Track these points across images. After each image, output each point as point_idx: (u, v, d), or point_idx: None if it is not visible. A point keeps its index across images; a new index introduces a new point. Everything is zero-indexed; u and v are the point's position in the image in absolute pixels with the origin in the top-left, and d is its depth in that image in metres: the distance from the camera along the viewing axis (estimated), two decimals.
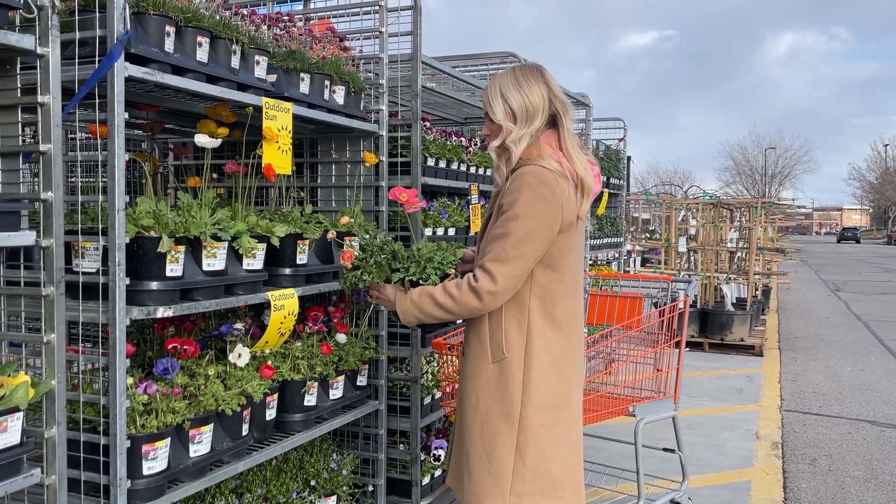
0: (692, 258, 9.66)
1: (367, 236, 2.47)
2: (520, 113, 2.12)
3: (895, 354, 8.20)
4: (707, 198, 9.83)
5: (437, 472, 3.52)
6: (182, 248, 2.06)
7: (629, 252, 11.37)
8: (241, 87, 2.34)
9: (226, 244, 2.20)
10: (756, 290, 9.32)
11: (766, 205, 9.95)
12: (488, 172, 4.05)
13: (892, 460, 4.60)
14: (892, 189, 54.85)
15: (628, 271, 8.38)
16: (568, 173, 2.08)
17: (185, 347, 2.28)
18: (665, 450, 3.63)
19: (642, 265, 11.03)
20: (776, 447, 4.81)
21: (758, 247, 9.01)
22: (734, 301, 8.72)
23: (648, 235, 11.59)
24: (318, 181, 3.27)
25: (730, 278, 8.84)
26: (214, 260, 2.17)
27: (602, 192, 6.54)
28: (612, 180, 6.86)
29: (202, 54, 2.17)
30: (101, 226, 1.88)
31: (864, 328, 10.23)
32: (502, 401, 2.12)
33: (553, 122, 2.15)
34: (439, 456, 3.51)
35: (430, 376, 3.48)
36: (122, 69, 1.84)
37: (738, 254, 9.80)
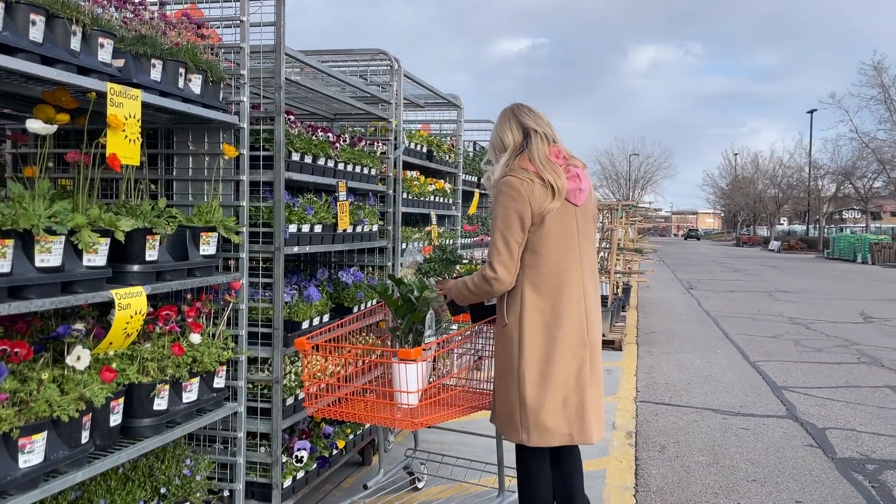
0: None
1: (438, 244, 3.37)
2: (497, 151, 2.95)
3: (739, 348, 8.89)
4: None
5: (300, 474, 3.45)
6: (10, 243, 1.90)
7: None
8: (83, 71, 2.18)
9: (62, 238, 2.05)
10: (617, 288, 9.81)
11: (627, 207, 10.50)
12: (357, 169, 4.03)
13: (733, 446, 4.98)
14: (741, 195, 59.40)
15: None
16: (536, 178, 2.76)
17: (15, 350, 2.10)
18: None
19: None
20: (630, 436, 5.08)
21: (619, 247, 9.49)
22: None
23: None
24: (174, 174, 3.12)
25: None
26: (49, 255, 2.02)
27: (473, 193, 6.67)
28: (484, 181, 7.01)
29: (36, 33, 2.01)
30: None
31: (713, 323, 11.02)
32: (509, 357, 2.83)
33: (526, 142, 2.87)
34: (302, 458, 3.44)
35: (294, 377, 3.41)
36: None
37: (601, 254, 10.29)
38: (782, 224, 63.33)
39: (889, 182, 37.37)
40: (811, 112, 44.41)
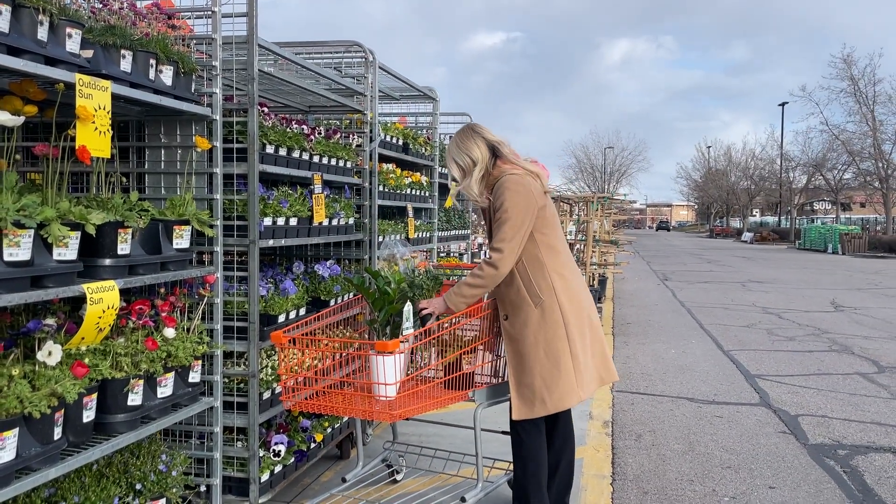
0: None
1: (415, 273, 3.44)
2: (467, 167, 3.22)
3: (713, 337, 9.00)
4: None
5: (278, 468, 3.44)
6: None
7: (480, 245, 11.67)
8: (51, 62, 2.14)
9: (31, 232, 2.01)
10: (593, 279, 9.88)
11: (602, 200, 10.57)
12: (332, 161, 4.00)
13: (708, 433, 5.04)
14: (714, 187, 60.10)
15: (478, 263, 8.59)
16: (524, 172, 3.14)
17: None
18: (505, 433, 3.75)
19: None
20: (607, 425, 5.13)
21: (594, 239, 9.55)
22: None
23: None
24: (146, 167, 3.08)
25: None
26: (17, 249, 1.98)
27: (450, 186, 6.66)
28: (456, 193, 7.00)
29: (2, 23, 1.96)
30: None
31: (688, 314, 11.14)
32: (552, 332, 3.10)
33: (496, 152, 3.22)
34: (279, 451, 3.43)
35: (270, 370, 3.39)
36: None
37: (577, 245, 10.35)
38: (755, 216, 64.22)
39: (858, 174, 38.00)
40: (782, 105, 44.97)
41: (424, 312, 3.22)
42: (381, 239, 4.67)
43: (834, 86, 37.60)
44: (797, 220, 45.49)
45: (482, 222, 3.59)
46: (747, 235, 46.89)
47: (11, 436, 1.98)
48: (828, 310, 11.78)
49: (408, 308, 3.20)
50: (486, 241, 3.29)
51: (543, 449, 3.27)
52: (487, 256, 3.10)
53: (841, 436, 4.99)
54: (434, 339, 3.26)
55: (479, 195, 3.23)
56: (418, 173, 5.67)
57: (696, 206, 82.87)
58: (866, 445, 4.78)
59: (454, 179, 3.35)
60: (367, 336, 3.59)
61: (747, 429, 5.14)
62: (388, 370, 3.05)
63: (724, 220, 65.81)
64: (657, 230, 79.50)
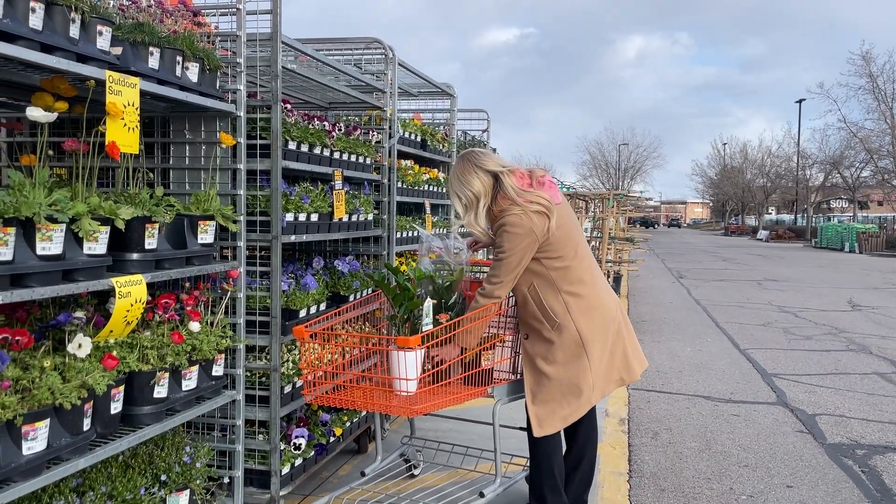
0: None
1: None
2: (469, 202, 3.16)
3: (728, 336, 8.96)
4: (565, 189, 10.27)
5: (298, 462, 3.47)
6: (12, 230, 1.90)
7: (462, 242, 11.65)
8: (82, 59, 2.18)
9: (63, 226, 2.05)
10: (608, 277, 9.87)
11: (618, 196, 10.55)
12: (353, 158, 4.03)
13: (724, 432, 5.04)
14: (729, 184, 59.68)
15: None
16: (527, 206, 3.06)
17: (16, 338, 2.10)
18: (522, 429, 3.77)
19: None
20: (623, 423, 5.13)
21: (610, 236, 9.54)
22: None
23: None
24: (171, 162, 3.11)
25: None
26: (50, 243, 2.02)
27: None
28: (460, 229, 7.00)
29: (36, 21, 2.00)
30: None
31: (703, 312, 11.10)
32: (570, 350, 3.13)
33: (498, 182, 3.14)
34: (300, 445, 3.46)
35: (291, 364, 3.43)
36: None
37: (592, 243, 10.34)
38: (770, 213, 63.71)
39: (876, 171, 37.63)
40: (800, 102, 44.64)
41: (441, 364, 3.21)
42: (400, 235, 4.69)
43: (852, 83, 37.46)
44: (813, 219, 45.13)
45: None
46: (763, 233, 46.56)
47: (43, 426, 2.02)
48: (845, 309, 11.69)
49: (428, 304, 3.22)
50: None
51: (559, 450, 3.28)
52: (483, 288, 3.17)
53: (859, 435, 4.97)
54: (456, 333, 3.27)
55: (485, 231, 3.21)
56: (435, 169, 5.68)
57: (710, 204, 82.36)
58: (884, 445, 4.76)
59: (456, 215, 3.31)
60: (384, 331, 3.61)
61: (764, 428, 5.13)
62: (410, 366, 3.08)
63: (739, 218, 65.36)
64: (669, 227, 80.00)
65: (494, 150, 8.65)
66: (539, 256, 3.13)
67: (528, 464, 3.70)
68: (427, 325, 3.21)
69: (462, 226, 3.26)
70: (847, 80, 40.93)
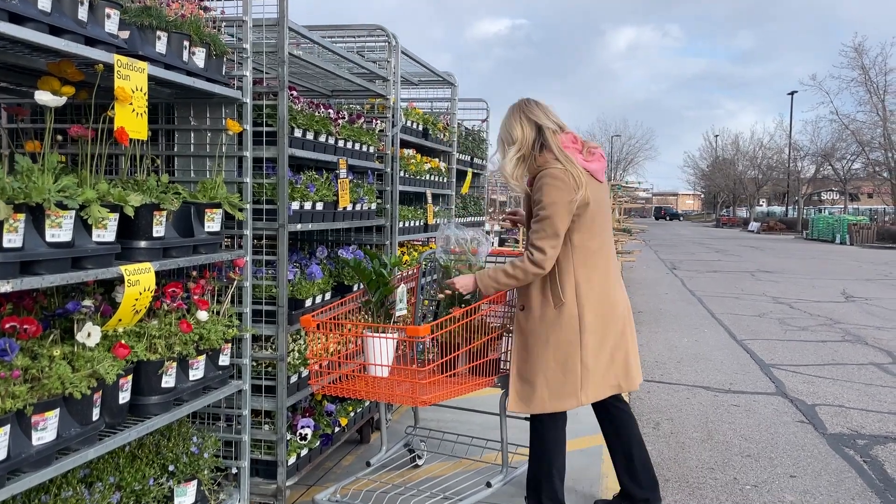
0: None
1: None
2: (505, 146, 3.11)
3: (725, 326, 8.99)
4: None
5: (304, 452, 3.45)
6: (22, 217, 1.86)
7: (487, 233, 11.62)
8: (90, 42, 2.13)
9: (73, 213, 2.01)
10: None
11: (614, 187, 10.53)
12: (356, 146, 3.99)
13: (725, 422, 5.05)
14: (721, 176, 59.81)
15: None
16: (570, 167, 2.97)
17: (25, 327, 2.06)
18: (527, 419, 3.75)
19: (500, 245, 11.35)
20: None
21: None
22: None
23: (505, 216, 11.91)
24: (176, 149, 3.07)
25: None
26: (59, 230, 1.98)
27: (466, 172, 6.65)
28: (476, 160, 6.98)
29: (45, 3, 1.95)
30: None
31: (698, 303, 11.13)
32: (566, 332, 3.02)
33: (543, 137, 3.05)
34: (306, 435, 3.44)
35: (297, 354, 3.40)
36: None
37: None
38: (761, 205, 63.94)
39: (868, 164, 37.79)
40: (792, 94, 44.70)
41: (452, 288, 3.16)
42: (401, 224, 4.66)
43: (845, 75, 37.41)
44: (804, 211, 45.31)
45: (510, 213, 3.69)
46: (754, 225, 46.72)
47: (53, 416, 1.99)
48: (839, 300, 11.74)
49: (401, 290, 3.23)
50: (526, 230, 3.19)
51: (560, 444, 3.19)
52: (531, 254, 2.99)
53: (859, 426, 4.99)
54: (461, 325, 3.25)
55: (512, 177, 3.11)
56: (436, 159, 5.65)
57: (702, 196, 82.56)
58: (885, 436, 4.78)
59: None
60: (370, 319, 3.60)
61: (765, 418, 5.14)
62: (386, 352, 3.11)
63: (730, 210, 65.58)
64: (657, 218, 79.50)
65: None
66: (569, 231, 3.01)
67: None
68: (401, 310, 3.23)
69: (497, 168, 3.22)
70: (839, 72, 40.95)
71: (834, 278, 15.37)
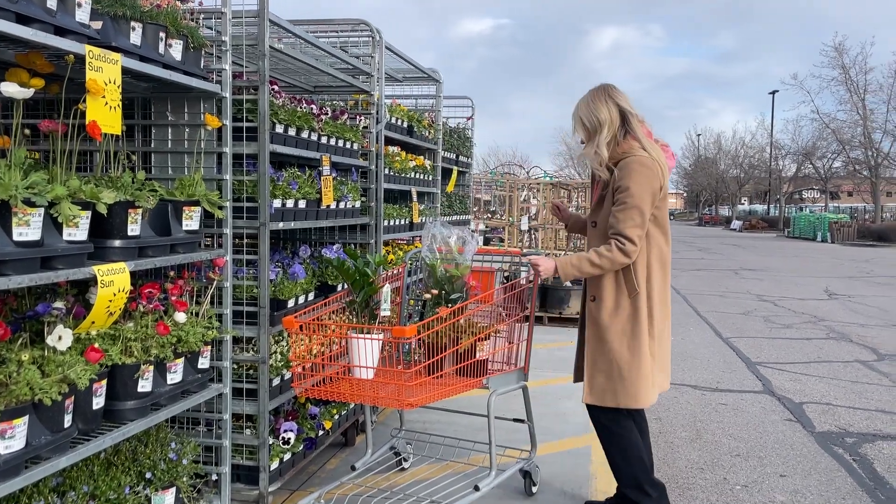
0: (533, 236, 9.99)
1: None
2: (593, 129, 3.02)
3: (710, 325, 8.98)
4: (548, 178, 10.21)
5: (287, 456, 3.36)
6: None
7: (473, 231, 11.55)
8: (60, 32, 2.04)
9: (42, 211, 1.92)
10: None
11: None
12: (340, 143, 3.91)
13: (714, 421, 5.01)
14: (703, 175, 60.16)
15: None
16: (657, 156, 2.96)
17: None
18: (515, 420, 3.70)
19: (484, 244, 11.30)
20: None
21: None
22: None
23: (490, 216, 11.89)
24: (152, 146, 2.97)
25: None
26: (28, 229, 1.89)
27: (452, 170, 6.57)
28: (461, 158, 6.91)
29: None
30: None
31: (684, 301, 11.13)
32: (641, 322, 3.02)
33: (626, 122, 3.00)
34: (289, 439, 3.35)
35: (280, 356, 3.31)
36: None
37: None
38: (743, 204, 64.43)
39: (848, 162, 38.15)
40: (773, 93, 45.00)
41: (533, 266, 3.12)
42: (386, 223, 4.58)
43: (825, 74, 37.80)
44: (786, 209, 45.69)
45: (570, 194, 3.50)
46: (736, 223, 47.05)
47: (21, 424, 1.90)
48: (822, 297, 11.80)
49: (386, 289, 3.16)
50: (589, 215, 3.20)
51: (636, 433, 3.19)
52: (621, 243, 2.94)
53: (847, 423, 4.97)
54: (448, 325, 3.18)
55: (602, 162, 3.01)
56: (422, 157, 5.57)
57: (684, 194, 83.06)
58: (873, 433, 4.76)
59: (581, 141, 3.15)
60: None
61: (753, 416, 5.11)
62: (375, 353, 3.02)
63: (713, 209, 66.01)
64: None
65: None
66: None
67: (523, 454, 3.63)
68: (385, 310, 3.15)
69: (581, 155, 3.15)
70: (820, 71, 41.44)
71: (816, 276, 15.47)
